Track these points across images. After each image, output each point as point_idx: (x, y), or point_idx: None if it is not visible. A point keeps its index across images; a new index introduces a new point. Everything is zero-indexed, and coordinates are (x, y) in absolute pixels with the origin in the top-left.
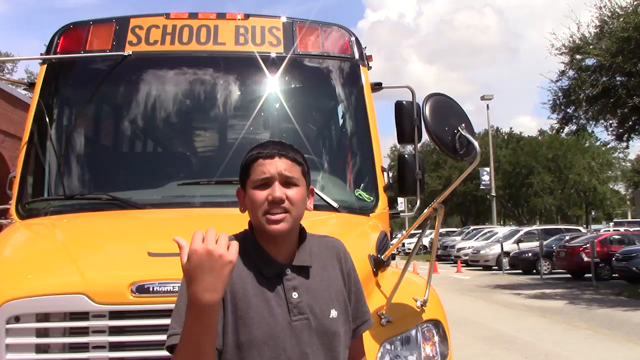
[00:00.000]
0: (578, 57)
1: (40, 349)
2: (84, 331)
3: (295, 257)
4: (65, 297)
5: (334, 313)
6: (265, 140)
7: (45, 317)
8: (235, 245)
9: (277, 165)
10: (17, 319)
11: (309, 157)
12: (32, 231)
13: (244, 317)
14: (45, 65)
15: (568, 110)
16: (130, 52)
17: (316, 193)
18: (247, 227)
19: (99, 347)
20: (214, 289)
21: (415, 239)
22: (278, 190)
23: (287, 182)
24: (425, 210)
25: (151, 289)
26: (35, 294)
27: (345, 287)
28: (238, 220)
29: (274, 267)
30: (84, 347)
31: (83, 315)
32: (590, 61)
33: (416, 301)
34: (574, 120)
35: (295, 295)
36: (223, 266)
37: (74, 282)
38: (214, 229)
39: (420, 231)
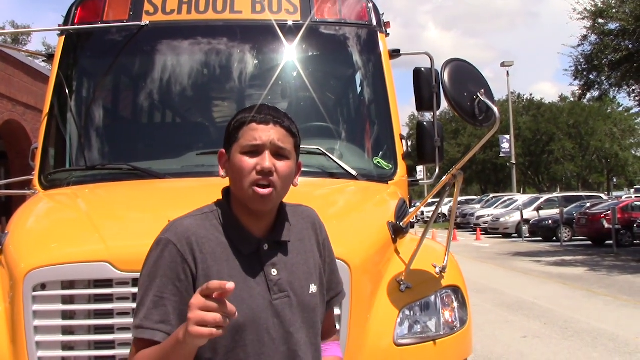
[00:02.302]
0: (600, 21)
1: (66, 315)
2: (108, 298)
3: (273, 232)
4: (89, 265)
5: (313, 288)
6: (260, 104)
7: (70, 284)
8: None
9: (271, 134)
10: (43, 287)
11: (328, 125)
12: (55, 201)
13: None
14: (64, 37)
15: (590, 76)
16: (147, 22)
17: (334, 161)
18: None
19: (123, 313)
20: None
21: (433, 208)
22: (268, 161)
23: (277, 153)
24: (444, 177)
25: None
26: (60, 262)
27: (321, 258)
28: None
29: (251, 242)
30: (108, 314)
31: (107, 283)
32: (613, 25)
33: (435, 267)
34: (596, 87)
35: (274, 272)
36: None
37: (97, 250)
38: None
39: (438, 199)
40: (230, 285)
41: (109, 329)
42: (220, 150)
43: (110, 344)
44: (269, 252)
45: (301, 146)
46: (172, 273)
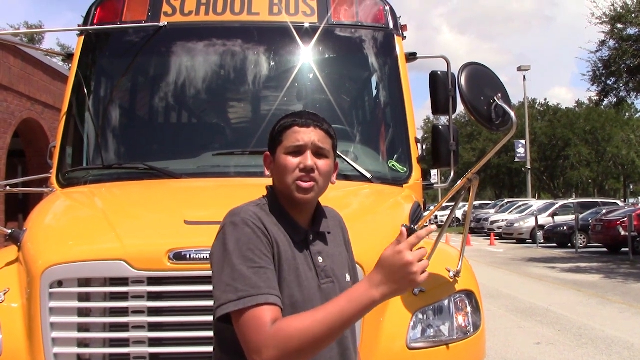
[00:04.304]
0: (619, 26)
1: (82, 312)
2: (123, 296)
3: (314, 223)
4: (106, 263)
5: (348, 277)
6: (300, 110)
7: (86, 282)
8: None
9: (312, 135)
10: (60, 284)
11: (343, 128)
12: (72, 199)
13: (287, 280)
14: (83, 37)
15: (608, 81)
16: (166, 23)
17: (349, 163)
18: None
19: (138, 311)
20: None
21: (448, 212)
22: (310, 159)
23: (318, 153)
24: (460, 181)
25: (188, 256)
26: (77, 260)
27: (348, 255)
28: None
29: (300, 231)
30: (123, 312)
31: (123, 281)
32: (632, 30)
33: (449, 272)
34: (614, 92)
35: (320, 259)
36: (411, 283)
37: (113, 249)
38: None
39: (453, 203)
40: (433, 226)
41: (124, 327)
42: (265, 153)
43: (125, 342)
44: (314, 241)
45: None
46: (260, 246)
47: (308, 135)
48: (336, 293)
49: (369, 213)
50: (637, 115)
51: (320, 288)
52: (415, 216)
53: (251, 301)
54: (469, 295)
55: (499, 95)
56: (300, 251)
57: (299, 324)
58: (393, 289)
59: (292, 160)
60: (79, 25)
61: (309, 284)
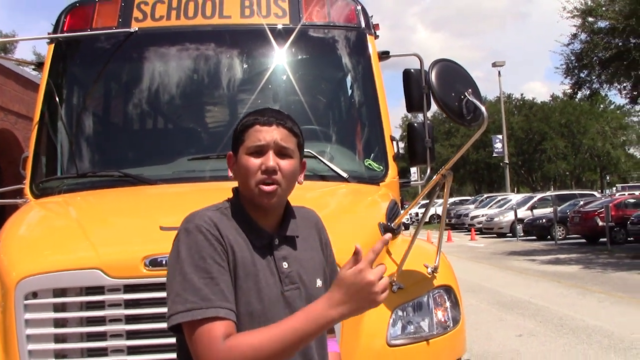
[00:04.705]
0: (590, 19)
1: (59, 323)
2: (100, 305)
3: (282, 227)
4: (81, 272)
5: (319, 282)
6: (263, 107)
7: (62, 292)
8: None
9: (274, 134)
10: (34, 295)
11: (319, 128)
12: (46, 209)
13: (244, 288)
14: (53, 45)
15: (581, 74)
16: (137, 29)
17: (325, 164)
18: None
19: (115, 320)
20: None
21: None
22: (272, 160)
23: (281, 153)
24: (434, 177)
25: (164, 262)
26: (52, 270)
27: (324, 258)
28: None
29: (264, 236)
30: (100, 321)
31: (99, 290)
32: (602, 24)
33: (427, 268)
34: (587, 85)
35: (285, 265)
36: (371, 302)
37: (88, 258)
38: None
39: (428, 200)
40: (388, 235)
41: (101, 336)
42: (229, 153)
43: (103, 351)
44: (279, 246)
45: None
46: (213, 254)
47: (270, 134)
48: (301, 300)
49: (345, 212)
50: (611, 107)
51: (283, 295)
52: (392, 214)
53: (200, 314)
54: (448, 290)
55: (470, 90)
56: (263, 256)
57: (252, 341)
58: (352, 309)
59: (254, 161)
60: (48, 33)
61: (269, 291)
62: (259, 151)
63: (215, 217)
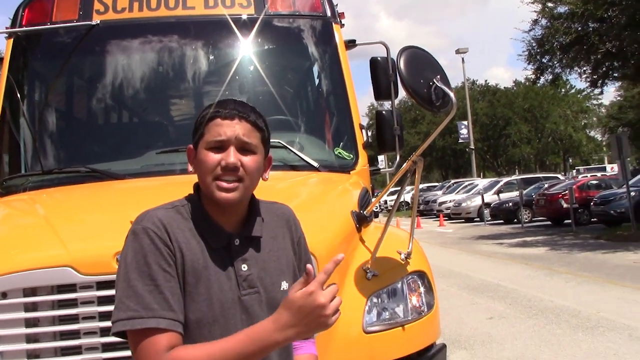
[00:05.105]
0: (550, 5)
1: (30, 323)
2: (72, 303)
3: (244, 227)
4: (51, 270)
5: (284, 285)
6: (226, 98)
7: (32, 291)
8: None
9: (236, 129)
10: (4, 295)
11: (287, 119)
12: (12, 207)
13: (193, 293)
14: (12, 39)
15: (543, 59)
16: (98, 21)
17: (295, 153)
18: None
19: (88, 317)
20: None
21: (396, 196)
22: (232, 156)
23: (243, 148)
24: (405, 164)
25: None
26: (21, 269)
27: (296, 257)
28: None
29: (222, 237)
30: (73, 319)
31: (70, 288)
32: (562, 9)
33: (400, 254)
34: (549, 70)
35: (244, 267)
36: (321, 325)
37: (58, 255)
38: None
39: (399, 187)
40: (341, 255)
41: (75, 334)
42: (189, 146)
43: (77, 349)
44: (239, 247)
45: None
46: (158, 259)
47: (231, 128)
48: (261, 305)
49: (317, 202)
50: (572, 91)
51: (240, 300)
52: (364, 202)
53: (140, 323)
54: (421, 275)
55: (438, 77)
56: (219, 259)
57: (193, 356)
58: (300, 332)
59: (213, 157)
60: (6, 28)
61: (223, 296)
62: (220, 147)
63: (166, 217)
